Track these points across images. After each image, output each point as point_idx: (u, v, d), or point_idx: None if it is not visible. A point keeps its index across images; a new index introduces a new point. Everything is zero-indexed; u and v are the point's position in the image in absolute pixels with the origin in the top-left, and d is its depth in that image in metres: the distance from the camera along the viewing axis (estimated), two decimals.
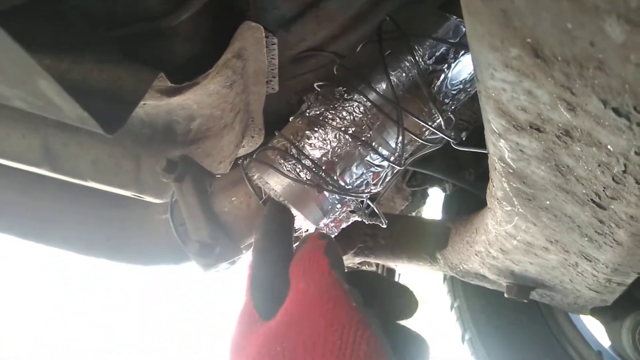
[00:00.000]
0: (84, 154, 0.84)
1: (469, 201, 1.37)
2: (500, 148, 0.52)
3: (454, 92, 0.73)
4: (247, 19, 0.70)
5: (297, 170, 0.69)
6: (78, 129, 0.83)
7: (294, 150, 0.70)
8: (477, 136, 0.71)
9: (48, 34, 0.58)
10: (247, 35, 0.73)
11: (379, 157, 0.71)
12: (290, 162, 0.69)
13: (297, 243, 0.53)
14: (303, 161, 0.69)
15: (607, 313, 0.93)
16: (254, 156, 0.73)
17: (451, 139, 0.75)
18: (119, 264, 1.00)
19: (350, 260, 1.23)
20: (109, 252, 0.97)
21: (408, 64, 0.70)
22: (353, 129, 0.70)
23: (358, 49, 0.78)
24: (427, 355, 0.43)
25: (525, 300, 0.91)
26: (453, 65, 0.70)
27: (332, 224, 0.76)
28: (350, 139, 0.69)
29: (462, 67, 0.71)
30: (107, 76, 0.59)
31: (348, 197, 0.73)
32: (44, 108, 0.49)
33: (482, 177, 1.25)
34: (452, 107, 0.75)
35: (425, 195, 1.53)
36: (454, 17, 0.69)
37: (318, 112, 0.72)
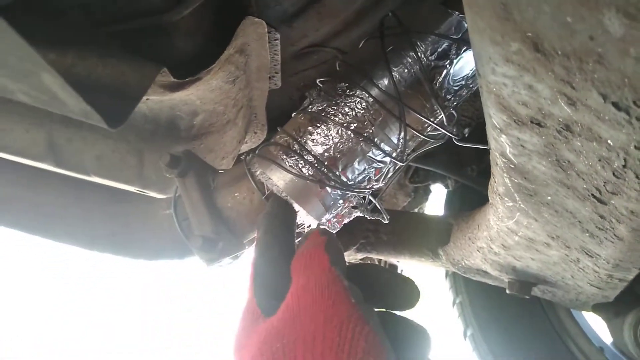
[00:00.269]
0: (88, 149, 0.85)
1: (471, 197, 1.37)
2: (501, 143, 0.52)
3: (456, 88, 0.73)
4: (249, 15, 0.71)
5: (300, 165, 0.69)
6: (82, 124, 0.83)
7: (296, 146, 0.70)
8: (479, 132, 0.71)
9: (51, 30, 0.58)
10: (250, 31, 0.73)
11: (381, 153, 0.71)
12: (292, 158, 0.70)
13: (299, 239, 0.53)
14: (305, 157, 0.69)
15: (609, 309, 0.93)
16: (257, 152, 0.74)
17: (453, 135, 0.76)
18: (122, 259, 1.00)
19: (352, 256, 1.23)
20: (113, 247, 0.98)
21: (410, 60, 0.70)
22: (355, 124, 0.70)
23: (360, 45, 0.78)
24: (428, 347, 0.43)
25: (527, 297, 0.91)
26: (455, 61, 0.71)
27: (334, 220, 0.77)
28: (352, 135, 0.70)
29: (464, 63, 0.71)
30: (110, 71, 0.59)
31: (350, 193, 0.73)
32: (48, 102, 0.49)
33: (484, 173, 1.25)
34: (454, 103, 0.75)
35: (427, 192, 1.53)
36: (456, 13, 0.69)
37: (320, 108, 0.72)
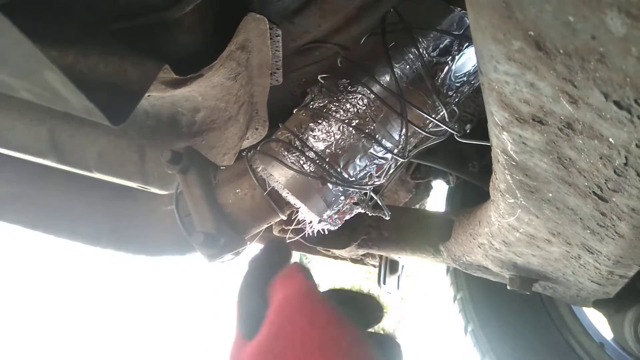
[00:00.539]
0: (90, 146, 0.85)
1: (472, 194, 1.37)
2: (503, 140, 0.52)
3: (458, 84, 0.73)
4: (251, 11, 0.70)
5: (301, 162, 0.69)
6: (83, 121, 0.84)
7: (297, 143, 0.70)
8: (481, 129, 0.71)
9: (53, 27, 0.58)
10: (251, 27, 0.73)
11: (382, 149, 0.71)
12: (294, 154, 0.70)
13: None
14: (307, 153, 0.69)
15: (610, 305, 0.93)
16: (258, 148, 0.74)
17: (455, 131, 0.75)
18: (125, 255, 1.01)
19: (353, 252, 1.24)
20: (115, 243, 0.98)
21: (412, 56, 0.70)
22: (356, 121, 0.70)
23: (362, 41, 0.78)
24: (400, 356, 0.46)
25: (528, 292, 0.92)
26: (457, 57, 0.70)
27: (336, 216, 0.77)
28: (353, 131, 0.70)
29: (466, 60, 0.71)
30: (112, 68, 0.59)
31: (351, 189, 0.74)
32: (50, 99, 0.49)
33: (486, 169, 1.25)
34: (456, 100, 0.75)
35: (429, 188, 1.53)
36: (458, 9, 0.69)
37: (322, 105, 0.72)
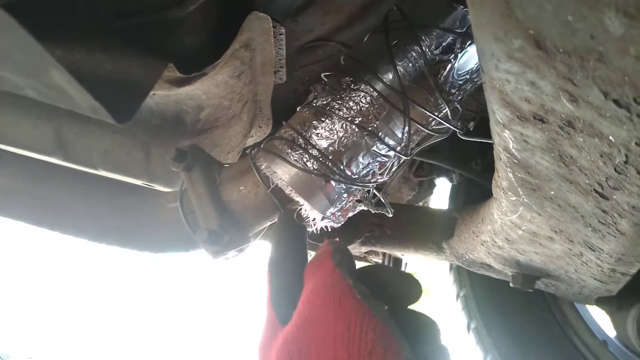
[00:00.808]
0: (95, 144, 0.86)
1: (475, 191, 1.37)
2: (505, 138, 0.52)
3: (461, 82, 0.73)
4: (254, 10, 0.71)
5: (304, 159, 0.70)
6: (89, 119, 0.84)
7: (301, 140, 0.71)
8: (483, 127, 0.71)
9: (58, 26, 0.59)
10: (255, 26, 0.73)
11: (385, 147, 0.72)
12: (297, 152, 0.70)
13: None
14: (310, 151, 0.70)
15: (612, 303, 0.93)
16: (262, 146, 0.74)
17: (457, 129, 0.76)
18: (129, 252, 1.02)
19: (356, 250, 1.24)
20: (120, 240, 0.99)
21: (415, 54, 0.70)
22: (360, 119, 0.70)
23: (365, 39, 0.78)
24: (438, 336, 0.45)
25: (531, 290, 0.92)
26: (460, 55, 0.71)
27: (339, 214, 0.77)
28: (356, 129, 0.70)
29: (469, 57, 0.71)
30: (117, 67, 0.60)
31: (355, 187, 0.74)
32: (56, 98, 0.50)
33: (489, 167, 1.26)
34: (459, 98, 0.75)
35: (432, 186, 1.53)
36: (461, 6, 0.69)
37: (325, 102, 0.72)
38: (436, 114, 0.72)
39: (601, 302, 0.94)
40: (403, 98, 0.70)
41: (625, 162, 0.39)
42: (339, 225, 0.79)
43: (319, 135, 0.71)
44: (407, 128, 0.72)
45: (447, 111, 0.73)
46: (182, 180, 0.73)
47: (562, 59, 0.33)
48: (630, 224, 0.50)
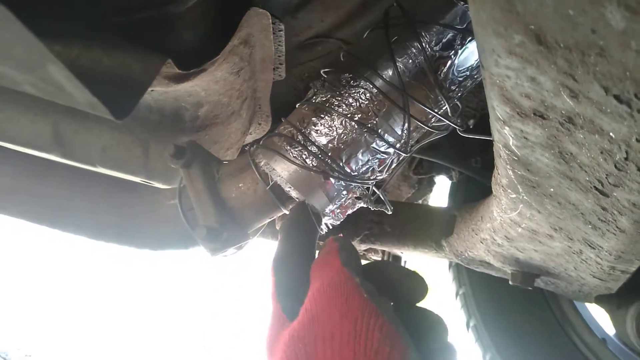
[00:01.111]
0: (94, 141, 0.86)
1: (475, 189, 1.37)
2: (504, 135, 0.52)
3: (461, 78, 0.73)
4: (253, 6, 0.71)
5: (304, 156, 0.69)
6: (88, 115, 0.84)
7: (300, 137, 0.71)
8: (483, 124, 0.71)
9: (57, 21, 0.59)
10: (254, 22, 0.73)
11: (384, 144, 0.72)
12: (296, 149, 0.70)
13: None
14: (309, 148, 0.70)
15: (612, 301, 0.93)
16: (261, 143, 0.74)
17: (457, 126, 0.75)
18: (128, 249, 1.01)
19: (356, 247, 1.24)
20: (118, 237, 0.98)
21: (414, 51, 0.70)
22: (359, 115, 0.70)
23: (364, 35, 0.78)
24: (446, 333, 0.45)
25: (530, 288, 0.92)
26: (460, 51, 0.70)
27: (338, 210, 0.77)
28: (356, 126, 0.70)
29: (469, 54, 0.71)
30: (116, 62, 0.59)
31: (354, 184, 0.74)
32: (54, 94, 0.50)
33: (488, 165, 1.25)
34: (459, 94, 0.75)
35: (431, 183, 1.53)
36: (461, 2, 0.69)
37: (324, 99, 0.72)
38: (436, 110, 0.72)
39: (601, 300, 0.94)
40: (403, 95, 0.69)
41: (626, 159, 0.39)
42: (338, 222, 0.79)
43: (318, 132, 0.71)
44: (406, 125, 0.71)
45: (447, 108, 0.72)
46: (181, 177, 0.73)
47: (563, 54, 0.33)
48: (630, 221, 0.50)
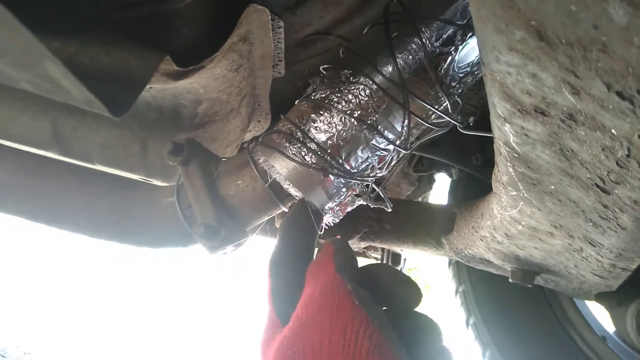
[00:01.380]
0: (92, 138, 0.85)
1: (475, 186, 1.37)
2: (505, 132, 0.52)
3: (461, 75, 0.72)
4: (253, 2, 0.70)
5: (303, 153, 0.69)
6: (86, 113, 0.84)
7: (299, 134, 0.70)
8: (484, 121, 0.71)
9: (54, 18, 0.58)
10: (253, 19, 0.72)
11: (384, 140, 0.71)
12: (295, 146, 0.70)
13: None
14: (308, 145, 0.69)
15: (612, 298, 0.93)
16: (260, 140, 0.74)
17: (458, 122, 0.75)
18: (127, 247, 1.01)
19: (355, 245, 1.24)
20: (117, 235, 0.98)
21: (415, 47, 0.69)
22: (359, 112, 0.70)
23: (364, 31, 0.77)
24: (439, 338, 0.44)
25: (530, 285, 0.92)
26: (460, 47, 0.70)
27: (337, 208, 0.77)
28: (355, 123, 0.69)
29: (470, 50, 0.71)
30: (114, 59, 0.59)
31: (353, 181, 0.73)
32: (52, 91, 0.49)
33: (489, 162, 1.25)
34: (459, 91, 0.74)
35: (431, 181, 1.53)
36: None
37: (324, 96, 0.72)
38: (436, 107, 0.72)
39: (601, 297, 0.94)
40: (403, 91, 0.69)
41: (628, 156, 0.39)
42: (338, 220, 0.79)
43: (318, 128, 0.70)
44: (406, 121, 0.71)
45: (447, 104, 0.72)
46: (179, 174, 0.73)
47: (565, 50, 0.32)
48: (632, 218, 0.49)
